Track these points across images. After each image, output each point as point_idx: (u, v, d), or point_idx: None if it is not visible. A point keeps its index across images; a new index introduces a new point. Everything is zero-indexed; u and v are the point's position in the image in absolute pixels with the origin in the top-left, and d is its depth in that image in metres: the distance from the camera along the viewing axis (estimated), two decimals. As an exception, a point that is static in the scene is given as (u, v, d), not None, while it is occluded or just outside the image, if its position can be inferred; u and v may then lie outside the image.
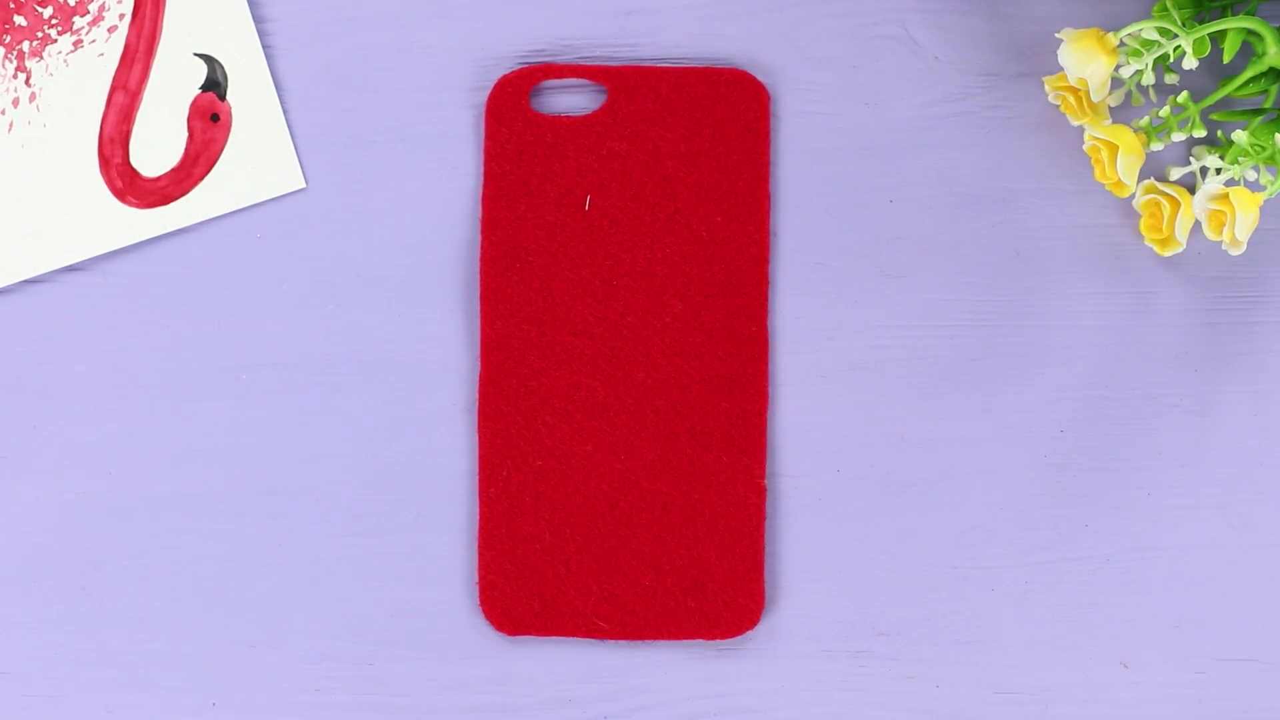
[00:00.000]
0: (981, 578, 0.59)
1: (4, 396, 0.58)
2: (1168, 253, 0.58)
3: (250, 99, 0.59)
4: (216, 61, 0.59)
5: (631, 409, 0.58)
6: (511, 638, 0.58)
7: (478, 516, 0.58)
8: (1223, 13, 0.57)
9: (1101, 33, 0.56)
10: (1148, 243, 0.59)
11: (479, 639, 0.58)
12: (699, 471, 0.58)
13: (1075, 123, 0.58)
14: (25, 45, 0.59)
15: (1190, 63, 0.55)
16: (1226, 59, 0.56)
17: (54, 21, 0.59)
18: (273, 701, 0.58)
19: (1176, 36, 0.55)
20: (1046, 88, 0.59)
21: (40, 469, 0.58)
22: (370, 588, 0.58)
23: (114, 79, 0.59)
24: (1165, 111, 0.58)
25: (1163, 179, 0.59)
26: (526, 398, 0.58)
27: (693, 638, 0.58)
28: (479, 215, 0.59)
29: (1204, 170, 0.58)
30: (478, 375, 0.58)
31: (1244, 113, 0.58)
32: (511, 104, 0.59)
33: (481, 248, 0.58)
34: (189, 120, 0.59)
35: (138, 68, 0.59)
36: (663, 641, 0.58)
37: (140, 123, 0.59)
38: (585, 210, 0.59)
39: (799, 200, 0.59)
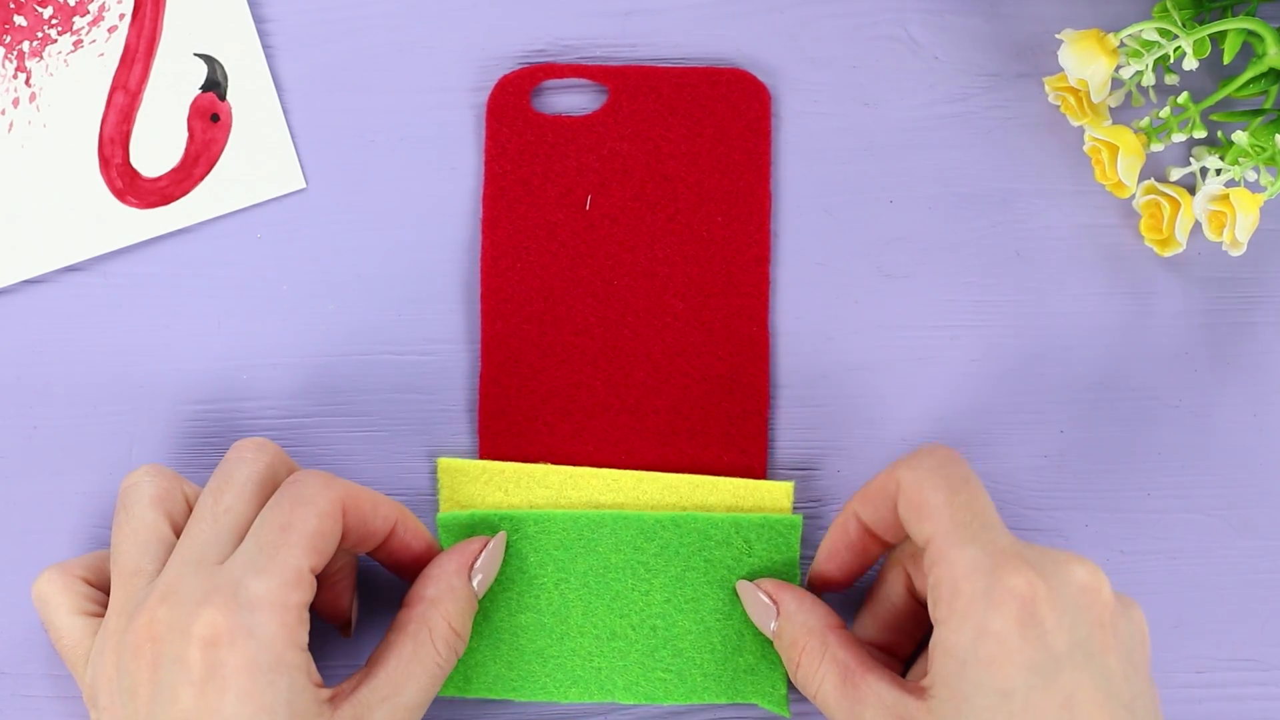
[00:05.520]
0: (981, 578, 0.59)
1: (4, 396, 0.58)
2: (1168, 253, 0.58)
3: (250, 99, 0.59)
4: (216, 61, 0.59)
5: (632, 408, 0.58)
6: (512, 638, 0.58)
7: (478, 516, 0.58)
8: (1223, 13, 0.57)
9: (1102, 33, 0.56)
10: (1148, 243, 0.59)
11: (479, 639, 0.58)
12: (700, 471, 0.58)
13: (1075, 123, 0.58)
14: (25, 45, 0.59)
15: (1190, 63, 0.55)
16: (1227, 60, 0.56)
17: (54, 21, 0.59)
18: (273, 702, 0.58)
19: (1176, 37, 0.56)
20: (1047, 88, 0.59)
21: (40, 469, 0.58)
22: (371, 588, 0.58)
23: (114, 79, 0.59)
24: (1165, 112, 0.58)
25: (1163, 180, 0.59)
26: (527, 397, 0.58)
27: (693, 638, 0.58)
28: (479, 215, 0.59)
29: (1204, 171, 0.58)
30: (478, 375, 0.58)
31: (1244, 113, 0.58)
32: (512, 104, 0.59)
33: (482, 247, 0.58)
34: (189, 120, 0.59)
35: (138, 68, 0.59)
36: (663, 641, 0.58)
37: (140, 123, 0.59)
38: (586, 210, 0.59)
39: (799, 200, 0.60)
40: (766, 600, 0.54)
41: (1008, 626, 0.46)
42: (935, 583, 0.48)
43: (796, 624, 0.53)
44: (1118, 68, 0.56)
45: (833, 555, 0.55)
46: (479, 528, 0.56)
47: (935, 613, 0.48)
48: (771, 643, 0.55)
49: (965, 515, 0.49)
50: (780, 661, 0.56)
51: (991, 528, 0.49)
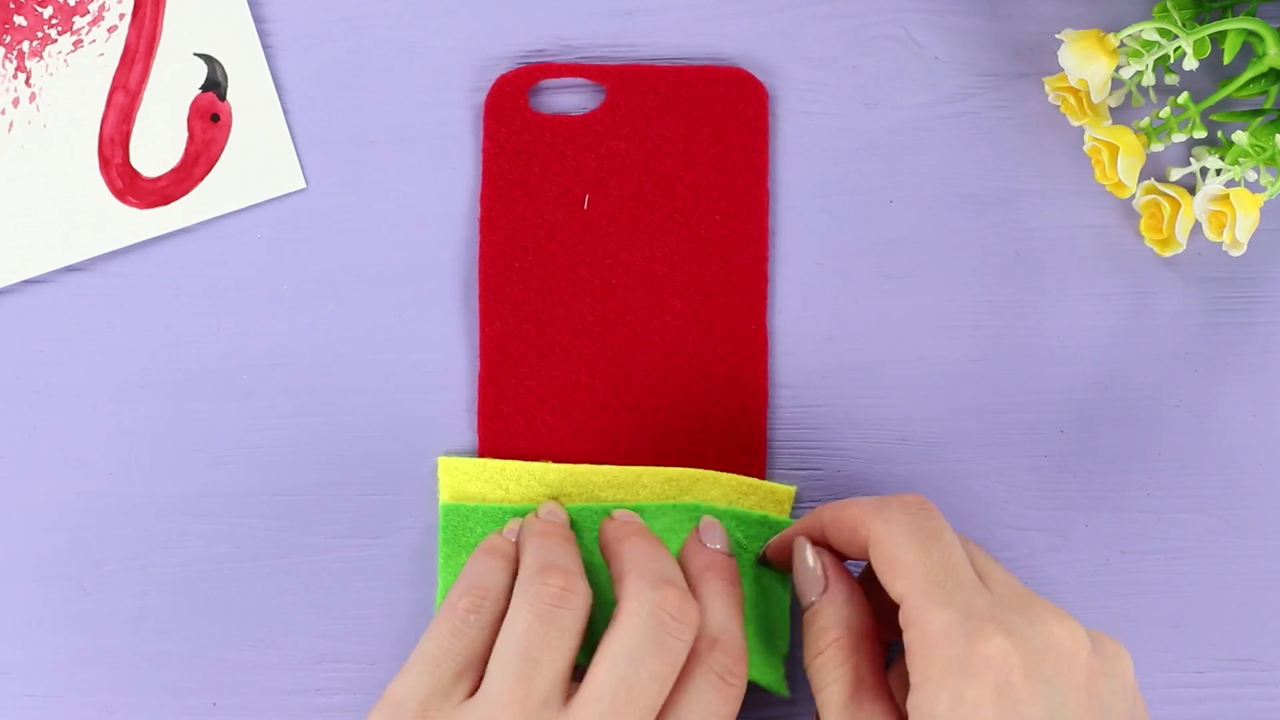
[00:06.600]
0: (981, 578, 0.59)
1: (4, 396, 0.58)
2: (1168, 253, 0.58)
3: (250, 99, 0.59)
4: (216, 61, 0.59)
5: (631, 408, 0.58)
6: (511, 638, 0.58)
7: (477, 516, 0.58)
8: (1223, 13, 0.57)
9: (1102, 34, 0.56)
10: (1148, 243, 0.59)
11: (479, 639, 0.58)
12: (699, 471, 0.58)
13: (1075, 123, 0.58)
14: (25, 45, 0.59)
15: (1190, 64, 0.55)
16: (1227, 60, 0.56)
17: (54, 21, 0.59)
18: (273, 703, 0.58)
19: (1177, 37, 0.55)
20: (1047, 88, 0.59)
21: (40, 469, 0.58)
22: (371, 588, 0.58)
23: (114, 79, 0.59)
24: (1165, 112, 0.58)
25: (1163, 180, 0.59)
26: (526, 397, 0.58)
27: (692, 638, 0.58)
28: (478, 214, 0.59)
29: (1204, 171, 0.58)
30: (478, 375, 0.58)
31: (1244, 113, 0.58)
32: (510, 103, 0.59)
33: (481, 247, 0.58)
34: (189, 120, 0.59)
35: (138, 68, 0.59)
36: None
37: (140, 123, 0.59)
38: (584, 209, 0.59)
39: (799, 200, 0.59)
40: (819, 573, 0.53)
41: (983, 697, 0.46)
42: (910, 644, 0.48)
43: (841, 615, 0.52)
44: (1118, 68, 0.56)
45: (784, 557, 0.55)
46: (481, 519, 0.56)
47: (911, 674, 0.48)
48: (769, 625, 0.55)
49: (938, 574, 0.48)
50: (779, 643, 0.56)
51: (966, 586, 0.48)
